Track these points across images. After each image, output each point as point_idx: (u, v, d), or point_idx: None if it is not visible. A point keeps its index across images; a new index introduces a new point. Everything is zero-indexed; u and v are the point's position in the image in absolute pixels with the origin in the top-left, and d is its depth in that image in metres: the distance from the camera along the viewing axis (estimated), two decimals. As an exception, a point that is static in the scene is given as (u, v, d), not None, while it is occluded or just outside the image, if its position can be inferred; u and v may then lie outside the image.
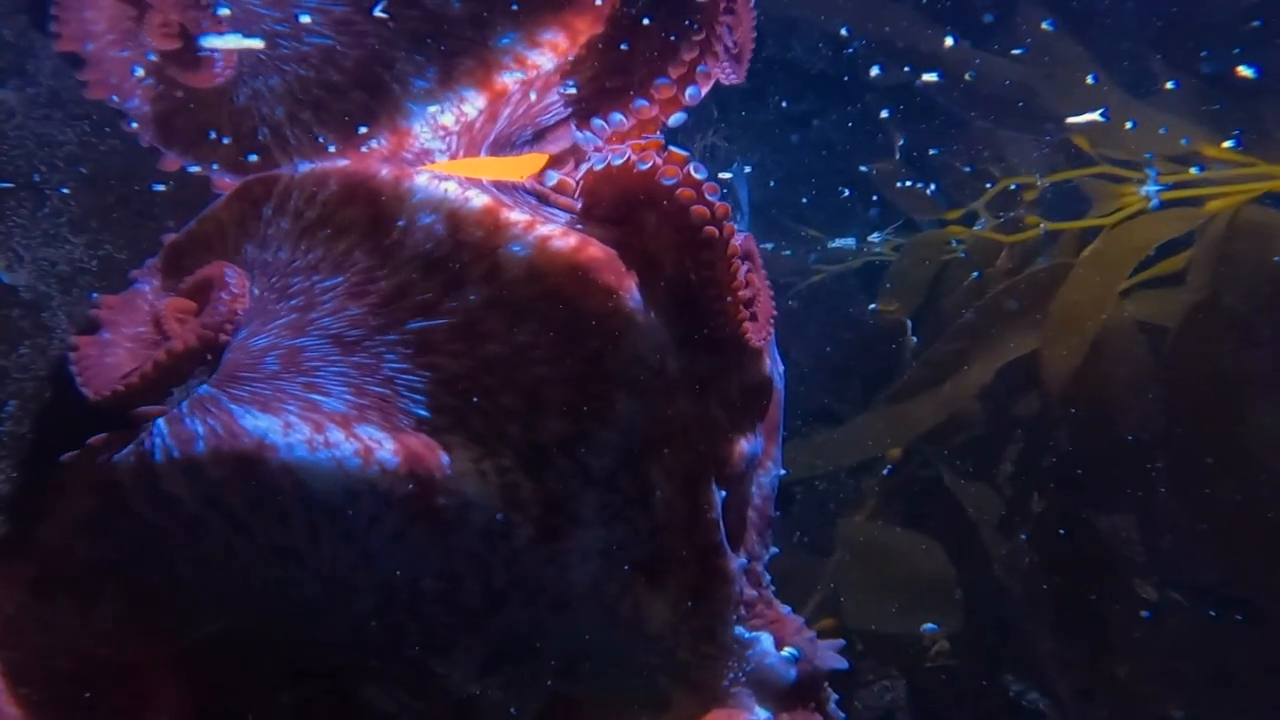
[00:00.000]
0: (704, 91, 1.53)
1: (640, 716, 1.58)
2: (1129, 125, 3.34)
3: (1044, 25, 3.50)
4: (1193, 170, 3.29)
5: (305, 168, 1.41)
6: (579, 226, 1.34)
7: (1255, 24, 3.37)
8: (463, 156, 1.45)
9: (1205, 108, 3.31)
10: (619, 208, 1.34)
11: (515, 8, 1.45)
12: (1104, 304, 3.07)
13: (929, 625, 3.39)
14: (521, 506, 1.37)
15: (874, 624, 3.52)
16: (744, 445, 1.47)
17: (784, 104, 4.42)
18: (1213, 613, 3.09)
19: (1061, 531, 3.22)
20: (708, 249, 1.31)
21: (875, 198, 4.35)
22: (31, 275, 2.13)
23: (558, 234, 1.30)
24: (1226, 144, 3.27)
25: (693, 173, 1.31)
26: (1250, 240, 3.02)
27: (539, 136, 1.58)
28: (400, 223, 1.30)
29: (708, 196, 1.31)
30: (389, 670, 1.46)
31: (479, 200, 1.31)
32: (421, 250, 1.30)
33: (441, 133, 1.42)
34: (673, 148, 1.34)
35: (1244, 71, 3.16)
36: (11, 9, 2.26)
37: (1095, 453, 3.12)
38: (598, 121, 1.48)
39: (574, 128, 1.53)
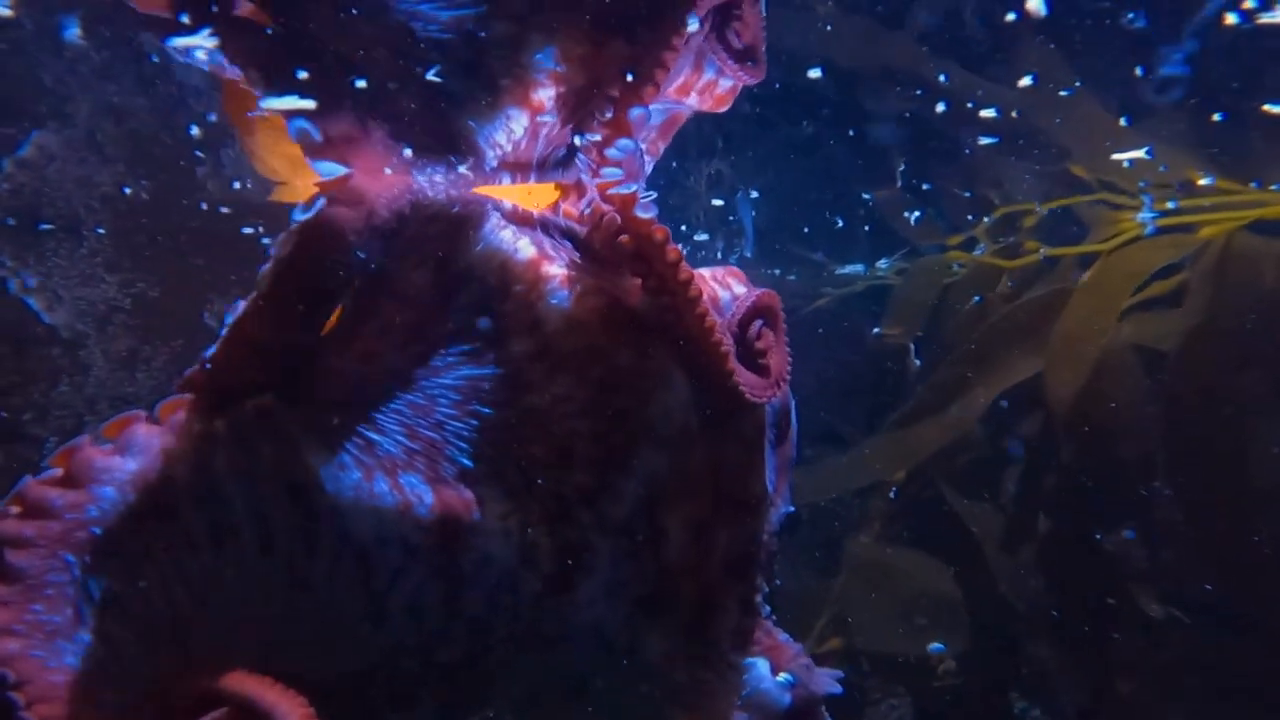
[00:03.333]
0: (649, 112, 1.54)
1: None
2: (1132, 157, 3.42)
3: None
4: (1169, 204, 3.38)
5: (416, 188, 1.36)
6: (607, 276, 1.38)
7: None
8: (509, 181, 1.47)
9: (1206, 148, 3.39)
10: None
11: (546, 21, 1.42)
12: (1105, 329, 3.15)
13: (936, 645, 3.44)
14: (536, 564, 1.40)
15: (881, 644, 3.57)
16: (758, 486, 1.51)
17: (787, 131, 4.50)
18: (1213, 629, 3.14)
19: (1067, 550, 3.28)
20: (667, 294, 1.34)
21: (868, 228, 4.43)
22: (70, 314, 2.21)
23: (593, 289, 1.35)
24: (1203, 180, 3.35)
25: (640, 225, 1.31)
26: (1243, 266, 3.11)
27: (570, 155, 1.60)
28: (463, 265, 1.33)
29: (650, 244, 1.31)
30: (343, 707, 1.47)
31: (526, 251, 1.35)
32: (475, 298, 1.34)
33: (498, 151, 1.42)
34: (626, 189, 1.34)
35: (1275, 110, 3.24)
36: (51, 53, 2.35)
37: (1099, 472, 3.19)
38: (581, 157, 1.49)
39: (580, 166, 1.54)
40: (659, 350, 1.38)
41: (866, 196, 4.37)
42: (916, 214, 4.12)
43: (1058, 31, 3.76)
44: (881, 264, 4.21)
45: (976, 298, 3.76)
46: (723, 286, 1.54)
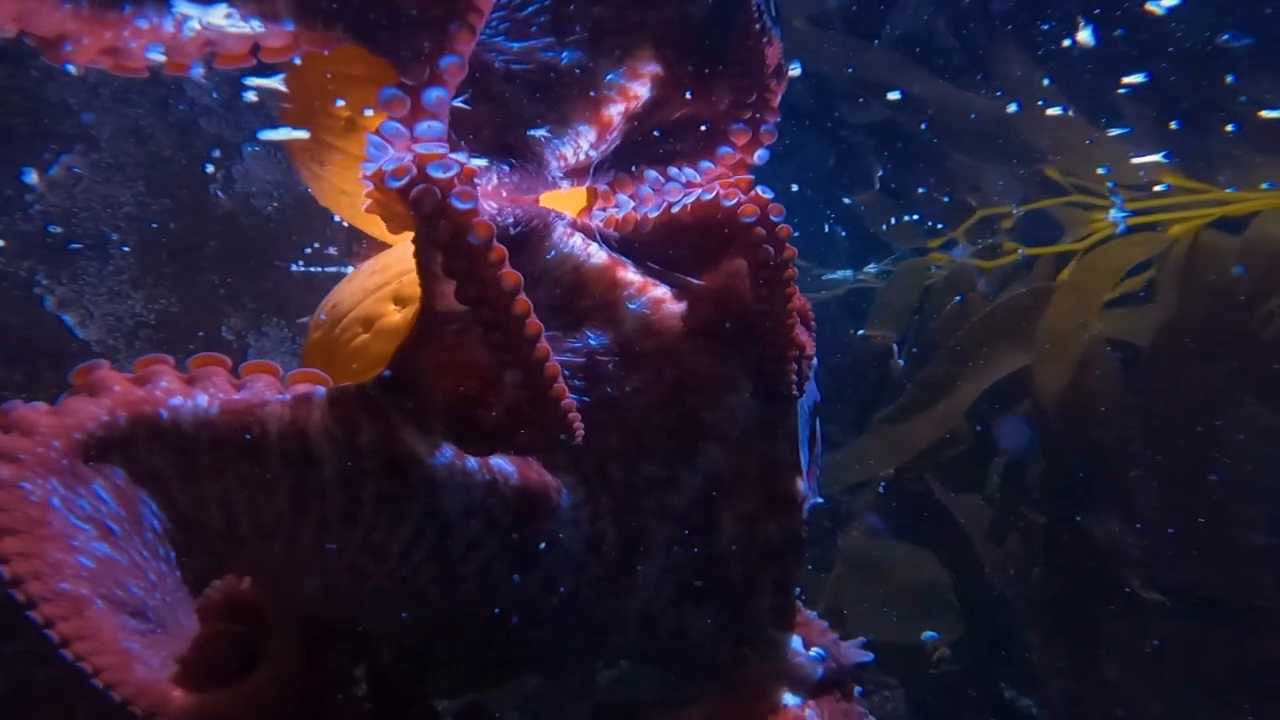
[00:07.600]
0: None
1: (681, 706, 1.73)
2: (1148, 162, 3.55)
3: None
4: (1115, 213, 3.53)
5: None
6: (670, 279, 1.47)
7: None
8: (568, 186, 1.53)
9: (1183, 153, 3.54)
10: (700, 249, 1.48)
11: (618, 50, 1.54)
12: (1087, 325, 3.29)
13: (930, 634, 3.55)
14: (600, 550, 1.51)
15: (875, 634, 3.67)
16: (801, 483, 1.61)
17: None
18: (1193, 614, 3.25)
19: (1053, 538, 3.40)
20: (773, 300, 1.44)
21: (844, 233, 4.54)
22: (101, 330, 2.27)
23: (670, 298, 1.45)
24: (1158, 188, 3.51)
25: (763, 200, 1.41)
26: (1209, 261, 3.26)
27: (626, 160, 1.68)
28: (535, 271, 1.42)
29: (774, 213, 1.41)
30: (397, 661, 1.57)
31: (599, 257, 1.45)
32: (549, 294, 1.43)
33: (563, 164, 1.51)
34: (759, 189, 1.45)
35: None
36: (75, 75, 2.41)
37: (1085, 462, 3.32)
38: (683, 169, 1.57)
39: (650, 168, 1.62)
40: (731, 357, 1.48)
41: (847, 201, 4.49)
42: (906, 217, 4.25)
43: (1027, 39, 3.91)
44: (870, 268, 4.33)
45: (958, 297, 3.89)
46: None
